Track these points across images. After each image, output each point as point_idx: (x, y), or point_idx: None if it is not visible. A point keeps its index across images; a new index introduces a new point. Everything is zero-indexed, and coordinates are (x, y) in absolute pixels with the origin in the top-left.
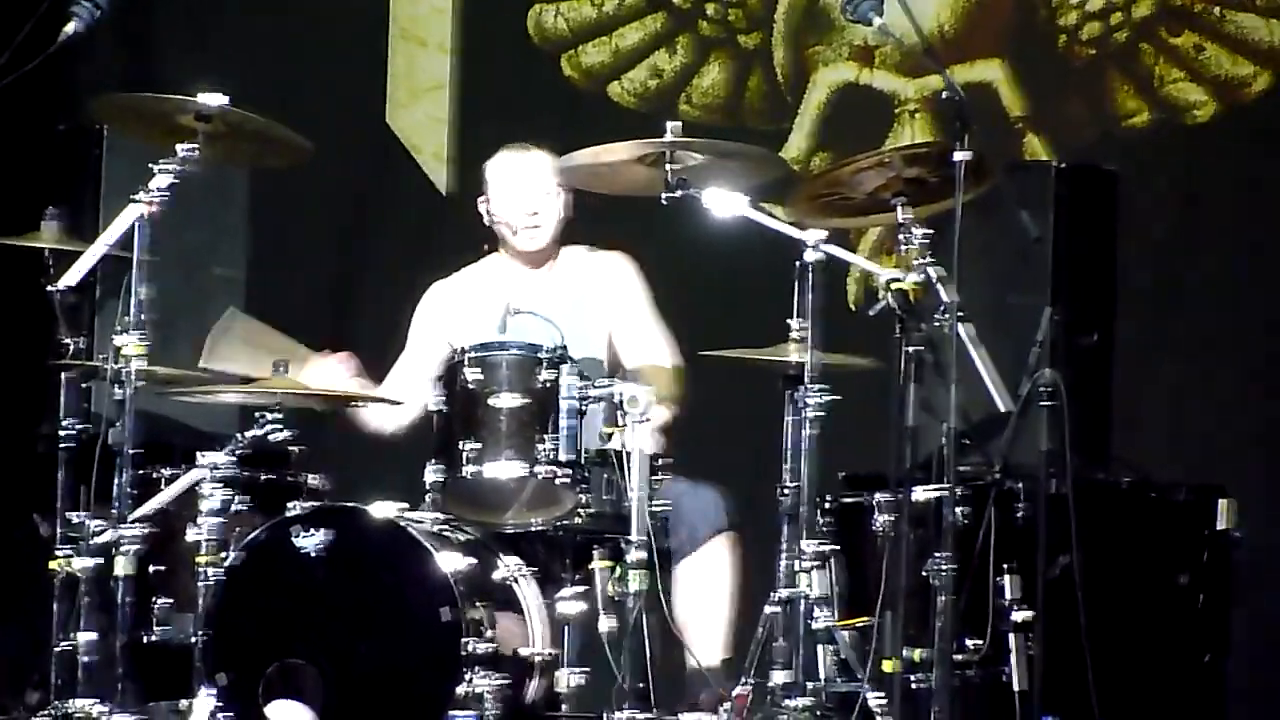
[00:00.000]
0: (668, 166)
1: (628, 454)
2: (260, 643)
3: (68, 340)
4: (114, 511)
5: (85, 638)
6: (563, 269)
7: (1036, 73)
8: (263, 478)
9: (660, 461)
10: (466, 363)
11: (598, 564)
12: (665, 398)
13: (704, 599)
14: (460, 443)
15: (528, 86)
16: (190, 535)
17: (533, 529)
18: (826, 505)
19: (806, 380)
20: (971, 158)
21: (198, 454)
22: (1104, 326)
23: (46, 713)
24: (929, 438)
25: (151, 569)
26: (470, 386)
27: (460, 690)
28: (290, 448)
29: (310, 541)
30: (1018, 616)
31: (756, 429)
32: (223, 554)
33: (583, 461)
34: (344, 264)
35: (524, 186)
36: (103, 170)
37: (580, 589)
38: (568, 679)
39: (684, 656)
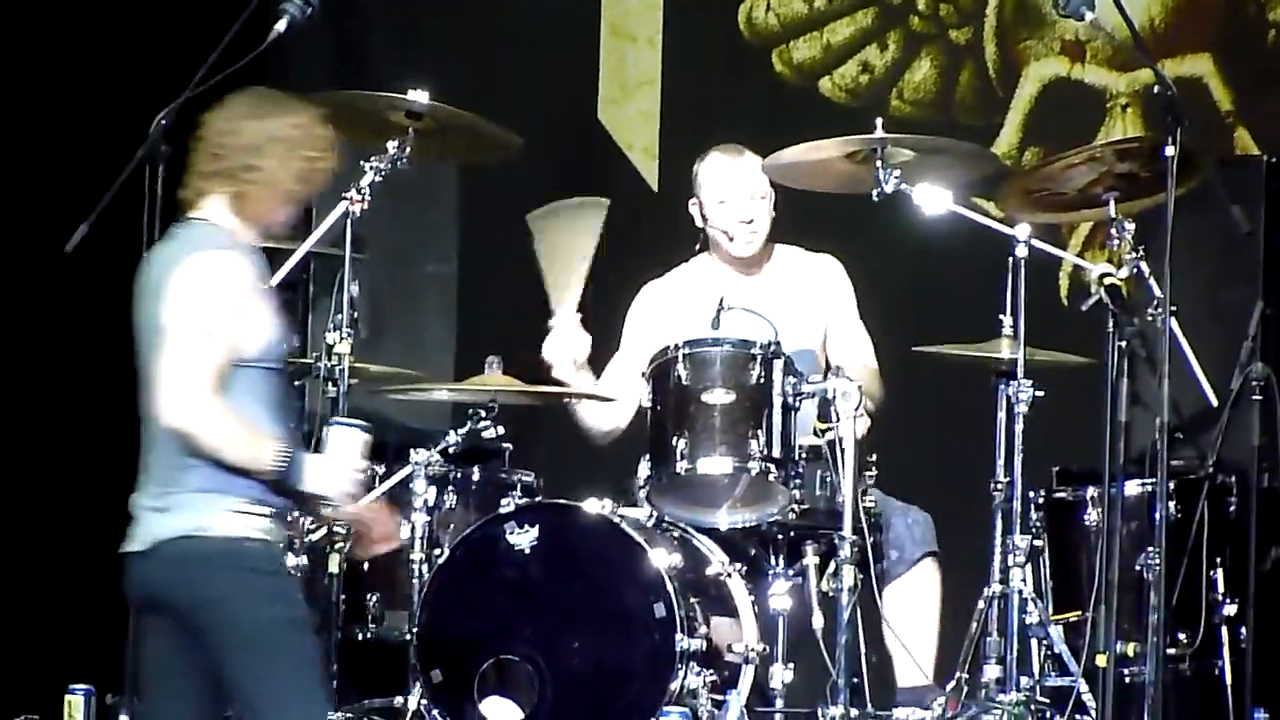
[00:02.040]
0: (878, 163)
1: (841, 449)
2: (473, 639)
3: None
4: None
5: None
6: (776, 269)
7: (1246, 67)
8: (475, 475)
9: (873, 456)
10: (679, 359)
11: (810, 560)
12: (872, 394)
13: (913, 620)
14: (672, 439)
15: (738, 82)
16: (403, 532)
17: (745, 525)
18: (1039, 500)
19: (1018, 375)
20: (1182, 152)
21: (410, 451)
22: None
23: None
24: (1140, 432)
25: (364, 566)
26: (683, 383)
27: (673, 686)
28: (502, 445)
29: (523, 538)
30: (1228, 610)
31: (967, 425)
32: (436, 551)
33: (795, 457)
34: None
35: (739, 194)
36: None
37: (792, 585)
38: (780, 675)
39: (894, 676)
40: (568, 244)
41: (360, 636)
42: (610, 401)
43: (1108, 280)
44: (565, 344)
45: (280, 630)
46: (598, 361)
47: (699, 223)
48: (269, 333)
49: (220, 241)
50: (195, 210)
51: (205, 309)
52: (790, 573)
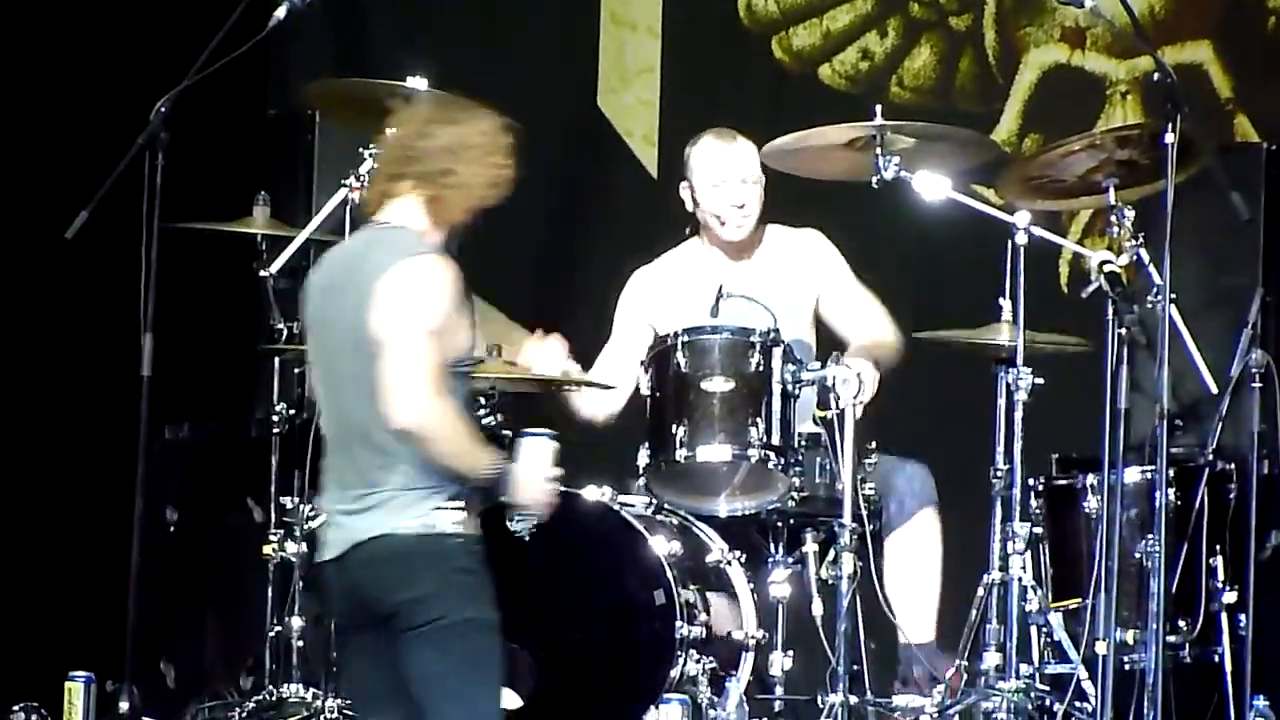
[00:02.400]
0: (878, 150)
1: (840, 437)
2: None
3: (280, 325)
4: None
5: (298, 622)
6: (767, 251)
7: (1246, 54)
8: None
9: (873, 444)
10: (678, 347)
11: (810, 547)
12: (891, 344)
13: (914, 573)
14: (672, 427)
15: (737, 69)
16: None
17: (744, 512)
18: (1039, 487)
19: (1018, 362)
20: (1182, 139)
21: None
22: None
23: (260, 697)
24: (1140, 420)
25: None
26: (682, 370)
27: (672, 673)
28: (502, 432)
29: (522, 525)
30: (1228, 598)
31: (966, 411)
32: None
33: (794, 445)
34: (554, 248)
35: (731, 178)
36: (314, 156)
37: (792, 572)
38: (780, 662)
39: (895, 634)
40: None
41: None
42: (609, 389)
43: (1107, 267)
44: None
45: (475, 632)
46: (594, 351)
47: (690, 206)
48: (468, 336)
49: (426, 247)
50: (381, 213)
51: (426, 314)
52: (790, 560)
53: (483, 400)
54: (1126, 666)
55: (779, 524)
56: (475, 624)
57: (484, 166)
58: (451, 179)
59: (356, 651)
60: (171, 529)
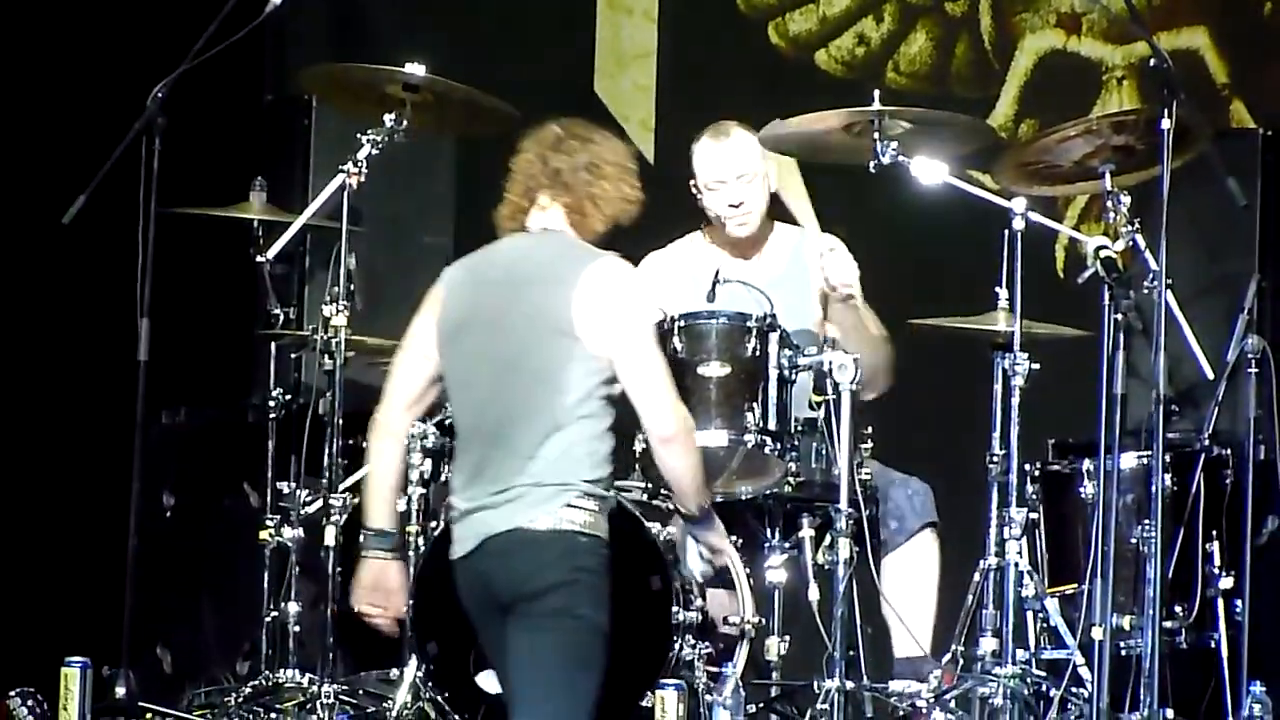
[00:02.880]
0: (875, 135)
1: (837, 422)
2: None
3: (276, 310)
4: (323, 481)
5: (294, 607)
6: (775, 249)
7: (1242, 40)
8: None
9: (868, 429)
10: (675, 331)
11: (806, 532)
12: (884, 370)
13: (912, 593)
14: None
15: (734, 55)
16: (399, 505)
17: (741, 497)
18: (1035, 473)
19: (1014, 348)
20: (1178, 125)
21: None
22: None
23: (257, 682)
24: (1136, 405)
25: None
26: (679, 355)
27: (669, 658)
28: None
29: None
30: (1224, 583)
31: (963, 397)
32: (431, 524)
33: (791, 430)
34: None
35: (726, 178)
36: (310, 141)
37: (788, 557)
38: (776, 647)
39: (891, 646)
40: None
41: (357, 609)
42: None
43: (1103, 253)
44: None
45: (588, 631)
46: None
47: (699, 203)
48: None
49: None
50: (527, 222)
51: (646, 319)
52: (786, 545)
53: None
54: (1123, 652)
55: (775, 509)
56: (589, 624)
57: (621, 184)
58: (594, 191)
59: (491, 649)
60: (168, 514)
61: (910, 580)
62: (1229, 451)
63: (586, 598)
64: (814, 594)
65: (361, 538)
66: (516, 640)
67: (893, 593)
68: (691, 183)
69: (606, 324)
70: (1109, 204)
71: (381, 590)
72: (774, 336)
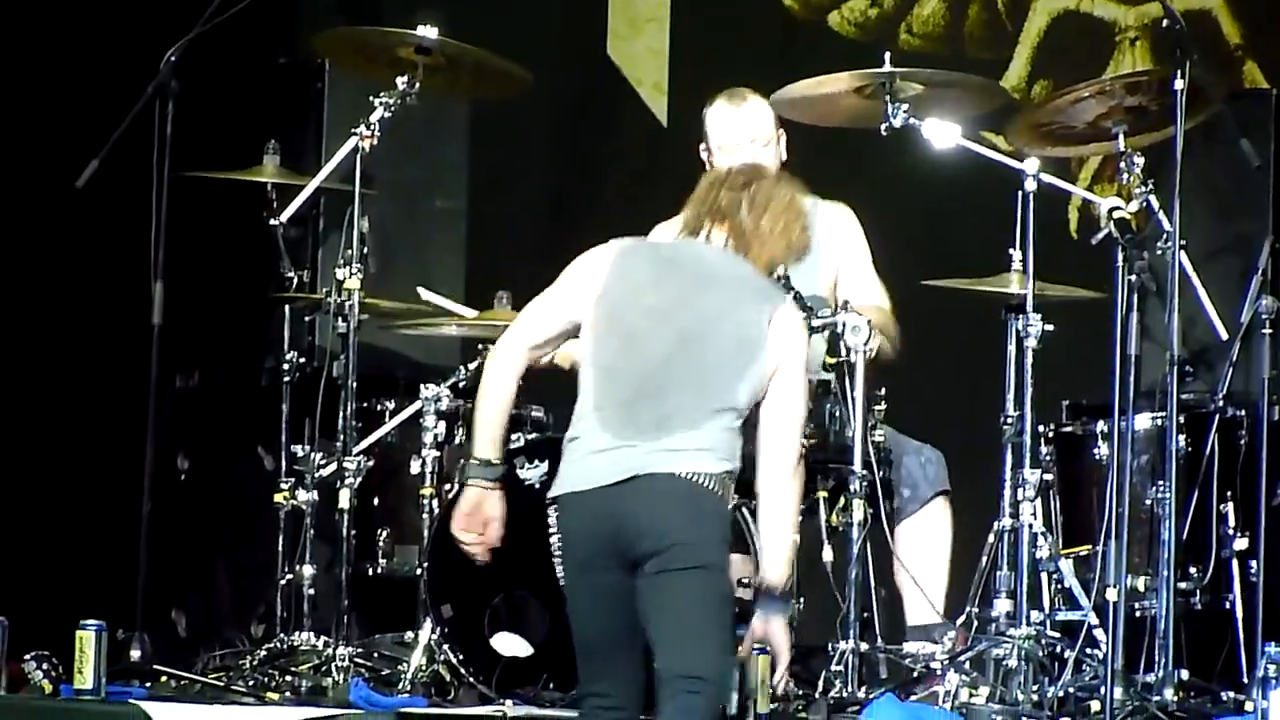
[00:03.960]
0: (887, 97)
1: (850, 384)
2: (483, 574)
3: (290, 274)
4: (337, 444)
5: (309, 570)
6: None
7: (1255, 1)
8: None
9: (882, 390)
10: None
11: (820, 494)
12: (890, 337)
13: (923, 560)
14: None
15: (747, 17)
16: (413, 467)
17: (755, 459)
18: (1049, 434)
19: (1028, 309)
20: (1191, 86)
21: (420, 386)
22: None
23: (271, 645)
24: (1150, 366)
25: (375, 501)
26: None
27: None
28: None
29: (533, 473)
30: (1239, 544)
31: (977, 359)
32: (445, 486)
33: None
34: (565, 196)
35: (740, 142)
36: (324, 104)
37: (802, 519)
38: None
39: (904, 613)
40: None
41: (371, 572)
42: None
43: (1117, 214)
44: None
45: (724, 588)
46: None
47: (709, 167)
48: None
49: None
50: (705, 234)
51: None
52: (801, 507)
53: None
54: (1137, 613)
55: None
56: (725, 583)
57: (793, 234)
58: (764, 237)
59: (593, 593)
60: (182, 477)
61: (922, 548)
62: (1243, 412)
63: (725, 560)
64: (828, 556)
65: (464, 465)
66: (658, 591)
67: (905, 560)
68: (701, 146)
69: (788, 359)
70: (1122, 165)
71: (479, 517)
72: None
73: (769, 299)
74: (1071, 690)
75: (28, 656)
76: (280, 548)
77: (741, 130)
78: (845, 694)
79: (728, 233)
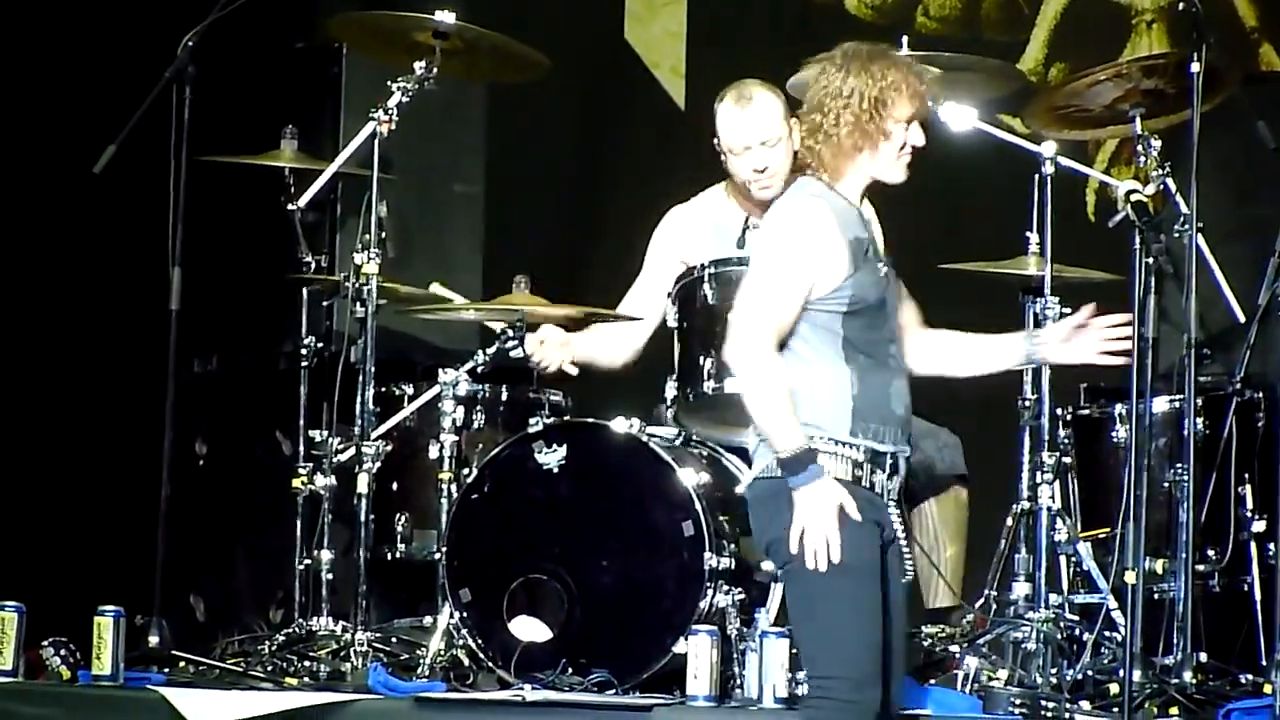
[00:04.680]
0: None
1: None
2: (502, 559)
3: (308, 258)
4: (355, 429)
5: (327, 555)
6: None
7: None
8: (503, 394)
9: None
10: (706, 279)
11: None
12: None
13: (940, 544)
14: (699, 358)
15: (763, 0)
16: (431, 452)
17: None
18: (1067, 417)
19: (1045, 292)
20: (1208, 69)
21: (438, 371)
22: None
23: (290, 630)
24: (1168, 349)
25: (393, 486)
26: (710, 302)
27: (702, 605)
28: (530, 364)
29: (551, 457)
30: (1257, 527)
31: None
32: (464, 471)
33: None
34: (583, 180)
35: (751, 144)
36: (341, 89)
37: None
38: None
39: (920, 599)
40: None
41: (389, 556)
42: (636, 320)
43: (1134, 196)
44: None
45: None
46: (617, 279)
47: (722, 159)
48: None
49: None
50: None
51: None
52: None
53: (511, 333)
54: (1156, 596)
55: None
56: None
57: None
58: None
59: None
60: (200, 462)
61: (940, 532)
62: (1260, 394)
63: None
64: None
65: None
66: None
67: (922, 544)
68: (715, 141)
69: None
70: (1139, 148)
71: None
72: None
73: None
74: (1090, 673)
75: (45, 643)
76: (298, 533)
77: (749, 134)
78: None
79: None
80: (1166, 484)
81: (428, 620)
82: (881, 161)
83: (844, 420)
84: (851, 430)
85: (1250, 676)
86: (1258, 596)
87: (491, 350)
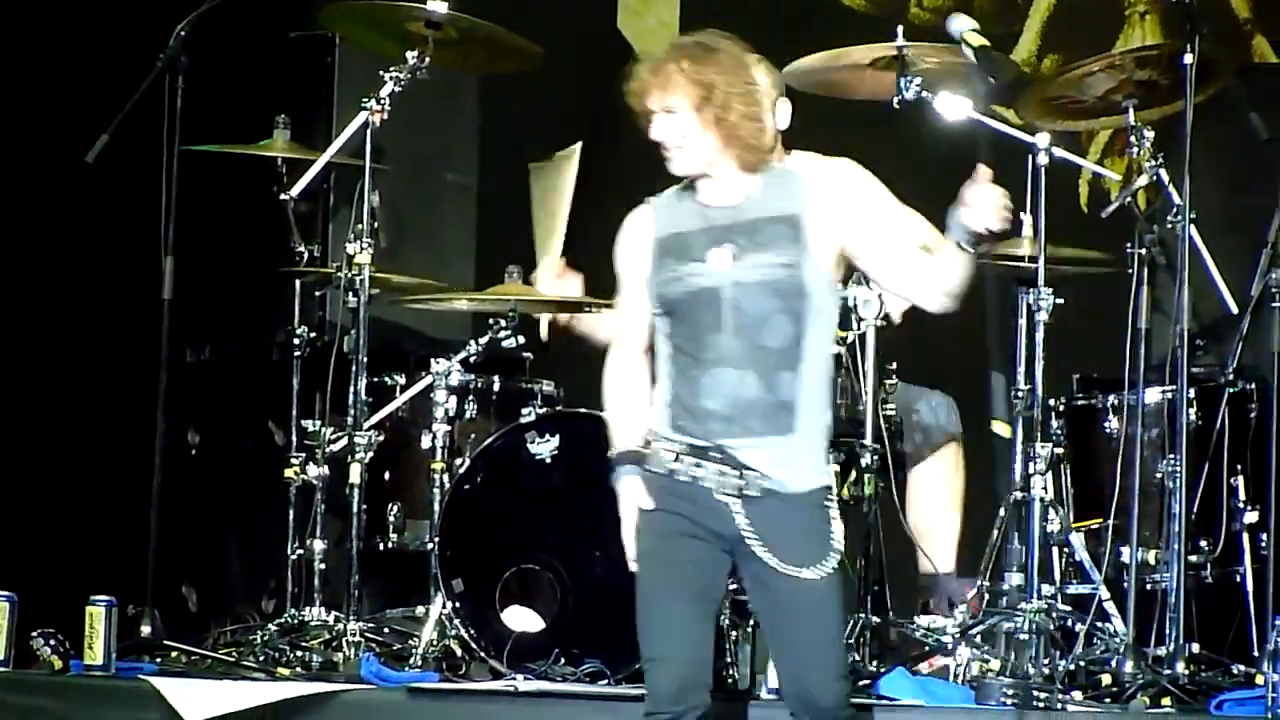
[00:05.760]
0: (899, 71)
1: (862, 358)
2: (494, 549)
3: (300, 248)
4: (348, 419)
5: (319, 545)
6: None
7: None
8: (496, 384)
9: (893, 365)
10: None
11: (831, 468)
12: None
13: (937, 504)
14: None
15: None
16: (424, 442)
17: None
18: (1060, 408)
19: (1039, 283)
20: (1201, 60)
21: (431, 361)
22: None
23: (282, 620)
24: (1161, 339)
25: (386, 476)
26: None
27: None
28: (523, 354)
29: (544, 447)
30: (1249, 518)
31: (987, 332)
32: (457, 461)
33: None
34: (577, 171)
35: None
36: (334, 78)
37: None
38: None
39: (916, 562)
40: (554, 194)
41: (382, 546)
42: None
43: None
44: (555, 288)
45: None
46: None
47: None
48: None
49: None
50: None
51: None
52: None
53: (503, 323)
54: (1148, 586)
55: None
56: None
57: None
58: None
59: None
60: (193, 452)
61: (935, 494)
62: (1253, 385)
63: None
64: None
65: None
66: None
67: (918, 507)
68: None
69: None
70: (1132, 139)
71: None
72: None
73: None
74: (1083, 663)
75: (34, 634)
76: (291, 523)
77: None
78: (857, 667)
79: None
80: (1159, 475)
81: (420, 610)
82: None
83: (664, 416)
84: (671, 425)
85: (1242, 667)
86: (1250, 587)
87: (484, 340)
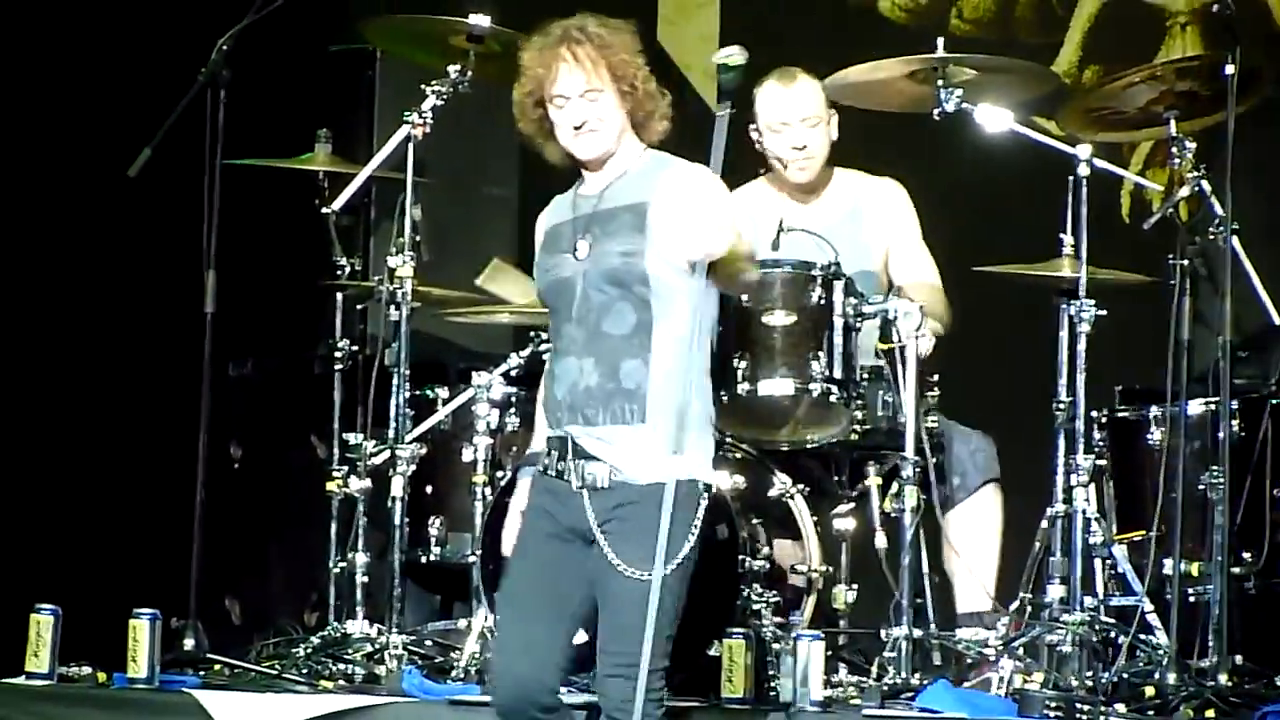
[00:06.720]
0: (939, 83)
1: (903, 369)
2: None
3: (342, 262)
4: (390, 432)
5: (362, 558)
6: (835, 193)
7: None
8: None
9: (934, 376)
10: None
11: (873, 480)
12: (938, 314)
13: (974, 547)
14: (733, 360)
15: (798, 3)
16: (465, 455)
17: (807, 446)
18: (1102, 420)
19: (1080, 294)
20: (1242, 71)
21: (472, 374)
22: None
23: (325, 633)
24: (1203, 351)
25: (427, 489)
26: (744, 304)
27: (736, 607)
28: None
29: None
30: None
31: (1029, 344)
32: (498, 473)
33: (856, 378)
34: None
35: (791, 121)
36: (375, 92)
37: (855, 505)
38: (843, 595)
39: (953, 600)
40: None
41: (424, 560)
42: None
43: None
44: None
45: None
46: None
47: (758, 148)
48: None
49: None
50: None
51: None
52: (852, 493)
53: (544, 335)
54: (1191, 599)
55: (841, 458)
56: None
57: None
58: None
59: None
60: (235, 465)
61: (973, 536)
62: None
63: None
64: (881, 542)
65: None
66: None
67: (956, 548)
68: (751, 126)
69: None
70: (1174, 150)
71: None
72: (839, 284)
73: None
74: (1125, 676)
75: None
76: (333, 536)
77: (792, 109)
78: (899, 680)
79: None
80: (1202, 486)
81: (462, 623)
82: (564, 140)
83: (543, 409)
84: (550, 419)
85: None
86: None
87: (525, 353)
